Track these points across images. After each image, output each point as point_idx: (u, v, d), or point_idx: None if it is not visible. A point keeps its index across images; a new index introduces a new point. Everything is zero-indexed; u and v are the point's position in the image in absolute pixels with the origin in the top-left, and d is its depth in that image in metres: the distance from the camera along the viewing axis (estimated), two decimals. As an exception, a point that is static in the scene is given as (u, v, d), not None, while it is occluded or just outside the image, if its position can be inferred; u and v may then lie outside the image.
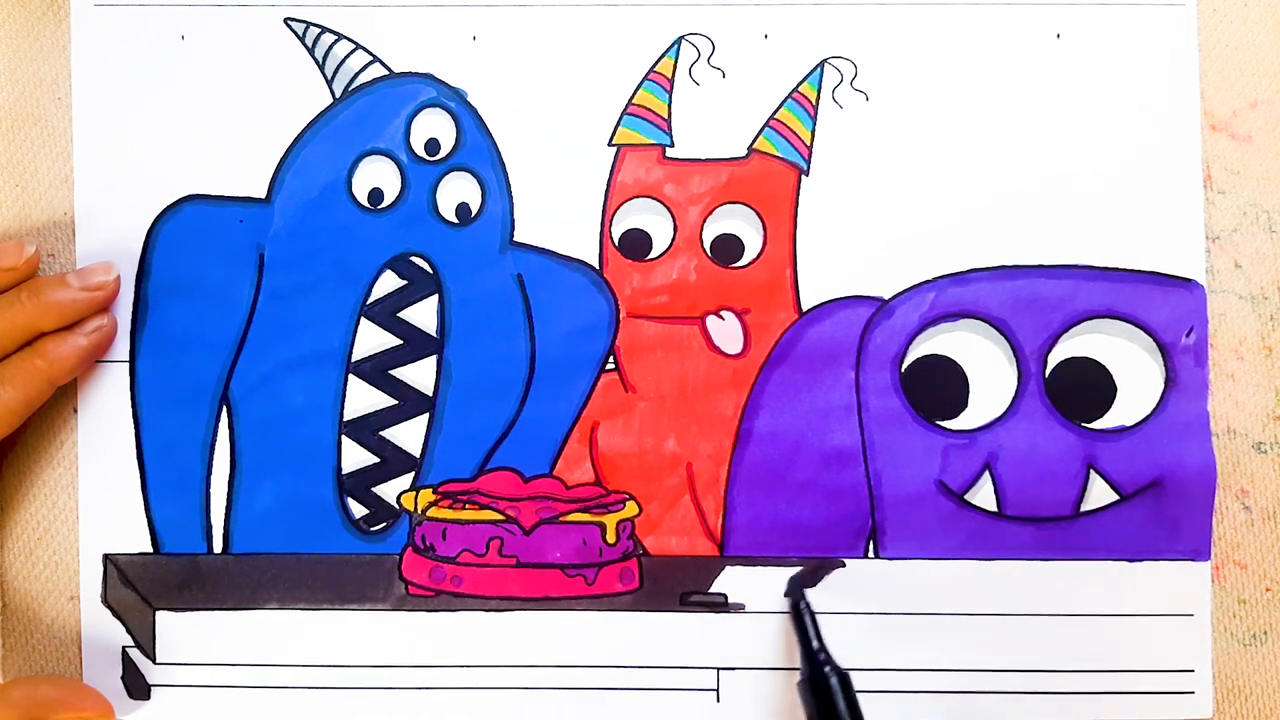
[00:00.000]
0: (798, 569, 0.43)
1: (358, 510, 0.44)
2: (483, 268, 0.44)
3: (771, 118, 0.44)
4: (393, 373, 0.44)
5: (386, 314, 0.44)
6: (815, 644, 0.42)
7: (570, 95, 0.44)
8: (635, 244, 0.44)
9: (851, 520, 0.44)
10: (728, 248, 0.44)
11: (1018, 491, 0.44)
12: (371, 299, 0.44)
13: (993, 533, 0.44)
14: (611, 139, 0.44)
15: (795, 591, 0.43)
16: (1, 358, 0.41)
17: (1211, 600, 0.44)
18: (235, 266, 0.44)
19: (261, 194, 0.44)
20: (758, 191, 0.44)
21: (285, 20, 0.44)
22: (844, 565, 0.43)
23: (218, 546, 0.44)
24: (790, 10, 0.44)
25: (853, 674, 0.41)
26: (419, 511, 0.44)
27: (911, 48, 0.44)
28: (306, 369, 0.44)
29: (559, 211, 0.44)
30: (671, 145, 0.44)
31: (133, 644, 0.44)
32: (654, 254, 0.45)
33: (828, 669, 0.41)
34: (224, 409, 0.44)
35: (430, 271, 0.44)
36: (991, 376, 0.44)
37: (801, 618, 0.43)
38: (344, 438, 0.44)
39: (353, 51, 0.44)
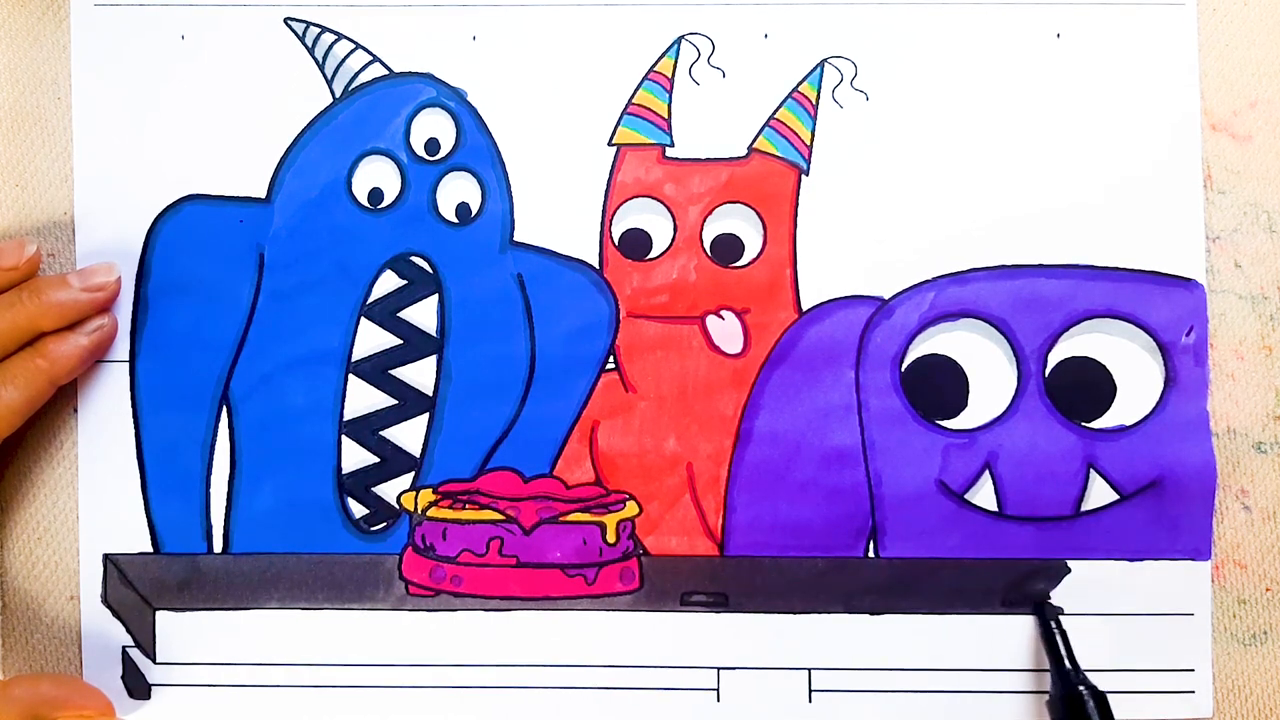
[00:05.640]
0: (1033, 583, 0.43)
1: (358, 510, 0.44)
2: (483, 268, 0.44)
3: (771, 117, 0.44)
4: (393, 373, 0.44)
5: (386, 314, 0.44)
6: (1067, 663, 0.42)
7: (570, 95, 0.44)
8: (635, 244, 0.44)
9: (851, 520, 0.44)
10: (728, 247, 0.44)
11: (1018, 491, 0.44)
12: (371, 299, 0.44)
13: (993, 532, 0.44)
14: (611, 139, 0.44)
15: (1048, 610, 0.43)
16: (2, 357, 0.41)
17: (1211, 600, 0.44)
18: (235, 266, 0.44)
19: (261, 194, 0.44)
20: (758, 191, 0.44)
21: (285, 20, 0.44)
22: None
23: (218, 546, 0.44)
24: (790, 10, 0.44)
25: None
26: (419, 511, 0.44)
27: (911, 48, 0.44)
28: (306, 369, 0.44)
29: (559, 211, 0.44)
30: (671, 145, 0.44)
31: (133, 644, 0.44)
32: (654, 254, 0.44)
33: (1082, 688, 0.41)
34: (224, 409, 0.44)
35: (430, 271, 0.44)
36: (991, 376, 0.44)
37: (1053, 636, 0.42)
38: (344, 438, 0.44)
39: (353, 51, 0.44)
